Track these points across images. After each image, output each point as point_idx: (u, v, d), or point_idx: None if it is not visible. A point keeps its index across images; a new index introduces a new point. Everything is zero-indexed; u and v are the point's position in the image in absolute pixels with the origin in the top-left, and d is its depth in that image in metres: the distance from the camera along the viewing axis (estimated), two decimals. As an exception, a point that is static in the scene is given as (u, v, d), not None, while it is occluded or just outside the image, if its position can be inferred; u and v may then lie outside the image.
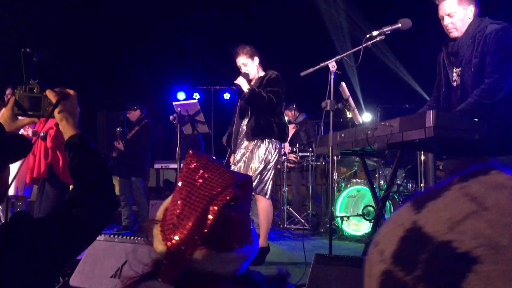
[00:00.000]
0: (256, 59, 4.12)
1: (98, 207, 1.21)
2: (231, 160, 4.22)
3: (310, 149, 6.51)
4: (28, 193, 5.10)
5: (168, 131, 7.92)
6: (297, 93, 7.97)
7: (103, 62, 9.51)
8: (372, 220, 4.51)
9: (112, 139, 6.71)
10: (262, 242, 3.89)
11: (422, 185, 5.16)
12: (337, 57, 3.11)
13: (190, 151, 0.93)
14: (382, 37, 3.00)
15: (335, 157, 5.81)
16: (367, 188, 5.43)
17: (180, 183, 0.89)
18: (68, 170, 1.29)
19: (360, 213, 5.28)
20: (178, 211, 0.85)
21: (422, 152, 5.00)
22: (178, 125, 5.25)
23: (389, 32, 2.98)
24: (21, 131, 3.58)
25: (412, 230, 0.43)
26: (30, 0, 8.02)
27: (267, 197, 3.98)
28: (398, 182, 5.55)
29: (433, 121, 2.41)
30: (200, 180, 0.87)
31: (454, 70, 2.91)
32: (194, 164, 0.90)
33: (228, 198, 0.84)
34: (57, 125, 1.35)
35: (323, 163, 6.59)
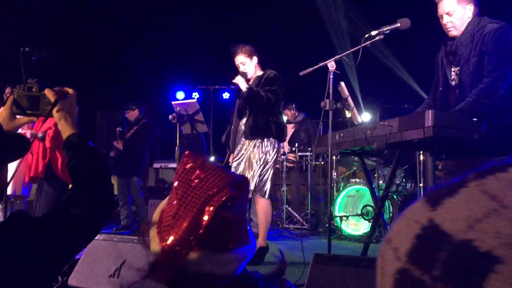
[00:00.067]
0: (255, 59, 4.12)
1: (97, 207, 1.21)
2: (230, 160, 4.22)
3: (309, 148, 6.51)
4: (27, 192, 5.10)
5: (168, 130, 7.91)
6: (296, 93, 7.98)
7: (102, 61, 9.50)
8: (371, 220, 4.51)
9: (111, 138, 6.71)
10: (261, 241, 3.89)
11: (421, 185, 5.15)
12: (336, 57, 3.11)
13: (186, 152, 0.93)
14: (381, 36, 3.00)
15: (334, 157, 5.82)
16: (366, 188, 5.44)
17: (176, 184, 0.89)
18: (66, 169, 1.29)
19: (359, 212, 5.28)
20: (173, 212, 0.85)
21: (421, 152, 5.00)
22: (178, 124, 5.25)
23: (388, 31, 2.99)
24: (19, 131, 3.58)
25: (428, 227, 0.42)
26: (29, 0, 8.01)
27: (266, 196, 3.98)
28: (397, 182, 5.55)
29: (432, 120, 2.41)
30: (196, 181, 0.87)
31: (453, 69, 2.91)
32: (190, 164, 0.90)
33: (224, 198, 0.84)
34: (56, 125, 1.35)
35: (322, 162, 6.59)
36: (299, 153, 6.69)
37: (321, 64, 3.10)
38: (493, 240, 0.38)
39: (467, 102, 2.68)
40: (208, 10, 9.34)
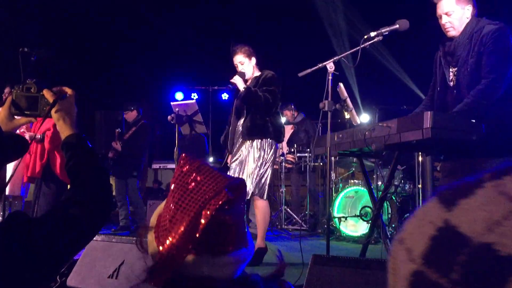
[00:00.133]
0: (253, 59, 4.12)
1: (96, 207, 1.21)
2: (229, 160, 4.21)
3: (308, 149, 6.51)
4: (24, 192, 5.09)
5: (168, 130, 7.91)
6: (295, 93, 7.99)
7: (101, 61, 9.50)
8: (370, 221, 4.51)
9: (110, 139, 6.71)
10: (259, 242, 3.89)
11: (420, 186, 5.16)
12: (335, 58, 3.11)
13: (183, 154, 0.93)
14: (380, 38, 3.00)
15: (333, 158, 5.82)
16: (365, 189, 5.44)
17: (172, 187, 0.89)
18: (65, 169, 1.29)
19: (358, 214, 5.28)
20: (170, 215, 0.85)
21: (420, 153, 5.01)
22: (176, 125, 5.25)
23: (387, 33, 2.99)
24: (17, 132, 3.57)
25: (444, 229, 0.41)
26: (28, 0, 8.01)
27: (264, 197, 3.98)
28: (396, 183, 5.55)
29: (430, 122, 2.41)
30: (193, 184, 0.87)
31: (451, 69, 2.92)
32: (187, 167, 0.89)
33: (221, 202, 0.84)
34: (55, 126, 1.35)
35: (321, 163, 6.59)
36: (298, 154, 6.69)
37: (320, 65, 3.11)
38: None
39: (466, 103, 2.68)
40: (208, 11, 9.34)
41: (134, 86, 9.69)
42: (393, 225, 5.44)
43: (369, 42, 3.01)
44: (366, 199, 5.52)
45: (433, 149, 2.75)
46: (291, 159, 6.76)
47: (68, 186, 1.26)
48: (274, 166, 7.08)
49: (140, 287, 0.86)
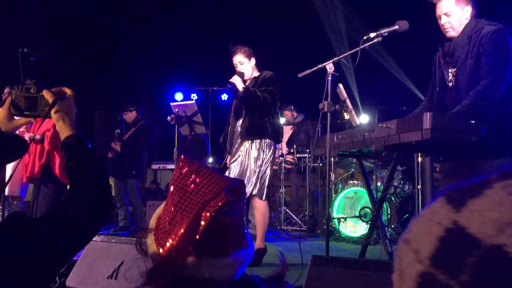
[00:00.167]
0: (253, 60, 4.13)
1: (96, 206, 1.21)
2: (228, 161, 4.21)
3: (308, 150, 6.51)
4: (23, 192, 5.09)
5: (168, 131, 7.92)
6: (295, 94, 7.99)
7: (100, 62, 9.50)
8: (369, 222, 4.51)
9: (109, 139, 6.71)
10: (258, 243, 3.89)
11: (419, 187, 5.16)
12: (334, 59, 3.11)
13: (182, 156, 0.93)
14: (380, 39, 3.01)
15: (332, 159, 5.82)
16: (364, 190, 5.44)
17: (172, 189, 0.89)
18: (64, 170, 1.29)
19: (357, 214, 5.29)
20: (170, 218, 0.85)
21: (419, 153, 5.01)
22: (176, 125, 5.25)
23: (387, 34, 2.99)
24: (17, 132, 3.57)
25: (453, 230, 0.40)
26: (28, 0, 8.01)
27: (263, 198, 3.98)
28: (395, 184, 5.56)
29: (430, 123, 2.41)
30: (192, 186, 0.87)
31: (450, 70, 2.92)
32: (186, 169, 0.89)
33: (220, 204, 0.84)
34: (54, 126, 1.34)
35: (321, 164, 6.59)
36: (297, 155, 6.69)
37: (319, 66, 3.11)
38: None
39: (465, 104, 2.68)
40: (207, 11, 9.34)
41: (134, 87, 9.68)
42: (393, 226, 5.44)
43: (369, 43, 3.02)
44: (365, 200, 5.52)
45: (433, 150, 2.75)
46: (291, 160, 6.76)
47: (68, 187, 1.26)
48: (274, 167, 7.11)
49: None
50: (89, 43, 9.17)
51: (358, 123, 3.39)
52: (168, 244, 0.82)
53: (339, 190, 5.95)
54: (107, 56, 9.59)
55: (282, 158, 6.79)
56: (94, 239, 2.46)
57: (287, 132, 7.53)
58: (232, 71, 4.12)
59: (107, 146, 6.71)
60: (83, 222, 1.15)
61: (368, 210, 5.10)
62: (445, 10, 2.82)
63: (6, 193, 4.74)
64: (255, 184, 3.92)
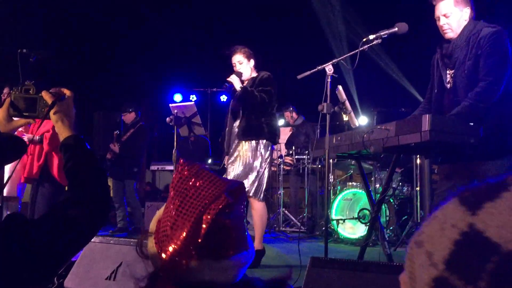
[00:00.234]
0: (252, 61, 4.13)
1: (95, 207, 1.21)
2: (226, 162, 4.21)
3: (307, 152, 6.51)
4: (20, 193, 5.07)
5: (166, 132, 7.92)
6: (294, 96, 7.99)
7: (99, 62, 9.49)
8: (368, 224, 4.51)
9: (108, 140, 6.71)
10: (257, 244, 3.89)
11: (418, 188, 5.17)
12: (334, 60, 3.12)
13: (181, 160, 0.92)
14: (379, 41, 3.01)
15: (331, 160, 5.82)
16: (363, 191, 5.44)
17: (172, 193, 0.89)
18: (63, 171, 1.29)
19: (356, 216, 5.29)
20: (171, 222, 0.85)
21: (418, 155, 5.02)
22: (175, 127, 5.25)
23: (386, 36, 3.00)
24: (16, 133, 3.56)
25: (469, 234, 0.39)
26: (25, 1, 8.00)
27: (261, 199, 3.97)
28: (394, 186, 5.56)
29: (429, 125, 2.42)
30: (192, 189, 0.87)
31: (448, 71, 2.92)
32: (185, 173, 0.89)
33: (220, 206, 0.84)
34: (53, 127, 1.34)
35: (319, 166, 6.59)
36: (296, 156, 6.70)
37: (319, 67, 3.11)
38: None
39: (464, 106, 2.69)
40: (207, 12, 9.35)
41: (133, 88, 9.67)
42: (391, 228, 5.44)
43: (368, 45, 3.02)
44: (364, 202, 5.52)
45: (432, 152, 2.75)
46: (289, 161, 6.76)
47: (65, 188, 1.27)
48: (272, 168, 7.11)
49: None
50: (88, 43, 9.16)
51: (357, 124, 3.39)
52: (170, 249, 0.82)
53: (337, 192, 5.95)
54: (105, 57, 9.58)
55: (281, 160, 6.79)
56: (92, 240, 2.46)
57: (286, 133, 7.53)
58: (231, 71, 4.12)
59: (105, 147, 6.71)
60: (83, 222, 1.15)
61: (366, 211, 5.10)
62: (444, 12, 2.83)
63: (4, 194, 4.73)
64: (253, 185, 3.91)
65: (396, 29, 2.99)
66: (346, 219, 5.63)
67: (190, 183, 0.87)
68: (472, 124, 2.56)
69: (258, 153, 3.94)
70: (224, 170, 4.23)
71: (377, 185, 5.56)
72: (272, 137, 4.03)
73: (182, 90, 9.55)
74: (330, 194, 5.92)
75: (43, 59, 3.96)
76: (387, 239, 3.71)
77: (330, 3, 8.84)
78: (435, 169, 4.18)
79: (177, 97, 9.45)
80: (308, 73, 3.16)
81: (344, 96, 3.26)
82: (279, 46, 9.25)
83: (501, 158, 2.72)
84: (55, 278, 2.57)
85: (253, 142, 3.95)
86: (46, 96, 1.35)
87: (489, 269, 0.36)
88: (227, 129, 4.23)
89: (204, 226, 0.82)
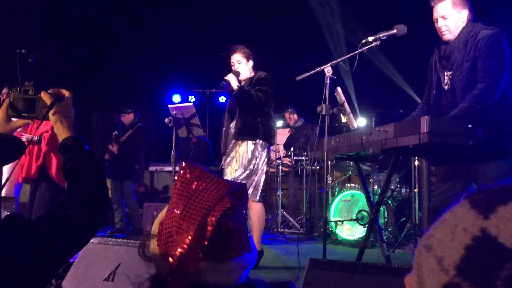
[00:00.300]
0: (251, 62, 4.13)
1: (95, 207, 1.21)
2: (223, 162, 4.21)
3: (305, 153, 6.52)
4: (16, 193, 5.06)
5: (166, 133, 7.92)
6: (293, 97, 8.00)
7: (98, 63, 9.48)
8: (366, 225, 4.52)
9: (107, 141, 6.70)
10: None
11: (416, 190, 5.17)
12: (332, 62, 3.12)
13: (183, 163, 0.92)
14: (378, 42, 3.02)
15: (329, 162, 5.82)
16: (361, 193, 5.44)
17: (175, 196, 0.88)
18: (62, 172, 1.29)
19: (354, 217, 5.29)
20: (176, 226, 0.84)
21: (416, 157, 5.02)
22: (174, 128, 5.25)
23: (385, 38, 3.00)
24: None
25: (481, 239, 0.37)
26: (25, 1, 8.00)
27: (258, 200, 3.96)
28: (392, 187, 5.56)
29: (427, 126, 2.42)
30: (196, 193, 0.87)
31: (446, 73, 2.93)
32: (188, 176, 0.89)
33: (224, 208, 0.84)
34: (53, 128, 1.34)
35: (318, 167, 6.60)
36: (294, 158, 6.70)
37: (318, 69, 3.12)
38: None
39: (462, 108, 2.69)
40: (206, 13, 9.35)
41: (131, 88, 9.67)
42: (389, 229, 5.44)
43: (367, 47, 3.03)
44: (362, 203, 5.53)
45: (430, 154, 2.75)
46: (288, 163, 6.76)
47: (63, 189, 1.27)
48: (271, 170, 7.12)
49: None
50: (87, 44, 9.16)
51: (355, 126, 3.40)
52: (178, 253, 0.82)
53: (336, 193, 5.95)
54: (104, 58, 9.58)
55: (280, 161, 6.79)
56: (91, 241, 2.45)
57: (284, 134, 7.53)
58: (230, 71, 4.11)
59: (103, 148, 6.70)
60: (82, 222, 1.15)
61: (365, 213, 5.10)
62: (442, 13, 2.84)
63: (2, 194, 4.72)
64: (250, 186, 3.90)
65: (395, 31, 2.99)
66: (344, 220, 5.63)
67: (193, 186, 0.87)
68: (470, 126, 2.56)
69: (255, 153, 3.94)
70: (222, 170, 4.22)
71: (376, 187, 5.56)
72: (268, 138, 4.02)
73: (181, 91, 9.55)
74: (329, 195, 5.92)
75: (42, 59, 3.95)
76: (385, 240, 3.71)
77: (329, 5, 8.85)
78: (433, 171, 4.19)
79: (176, 98, 9.45)
80: (307, 74, 3.16)
81: (343, 98, 3.26)
82: (278, 47, 9.26)
83: (499, 160, 2.73)
84: (53, 279, 2.57)
85: (250, 142, 3.94)
86: (45, 96, 1.35)
87: (503, 276, 0.35)
88: (223, 129, 4.22)
89: (209, 228, 0.82)
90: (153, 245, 0.88)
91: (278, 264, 4.20)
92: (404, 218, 5.58)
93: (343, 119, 3.39)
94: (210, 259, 0.84)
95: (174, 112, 5.29)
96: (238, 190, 0.90)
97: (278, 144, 7.28)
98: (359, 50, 3.03)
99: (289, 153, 6.74)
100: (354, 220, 5.31)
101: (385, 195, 3.40)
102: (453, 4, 2.82)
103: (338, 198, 5.82)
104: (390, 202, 5.52)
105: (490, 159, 2.71)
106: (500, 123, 2.76)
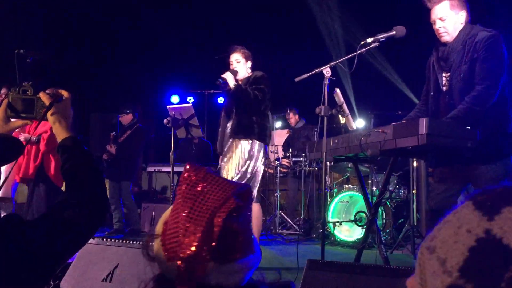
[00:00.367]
0: (249, 63, 4.13)
1: (94, 207, 1.21)
2: (220, 161, 4.20)
3: (303, 154, 6.52)
4: (13, 193, 5.05)
5: (164, 133, 7.92)
6: (292, 98, 8.00)
7: (97, 63, 9.48)
8: (364, 226, 4.52)
9: (105, 141, 6.69)
10: (253, 246, 3.87)
11: (414, 191, 5.18)
12: (331, 63, 3.13)
13: (188, 164, 0.92)
14: (377, 44, 3.02)
15: (328, 163, 5.82)
16: (360, 194, 5.45)
17: (180, 198, 0.88)
18: (60, 172, 1.29)
19: (352, 219, 5.29)
20: (183, 229, 0.85)
21: (415, 158, 5.03)
22: (172, 128, 5.25)
23: (384, 39, 3.01)
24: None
25: (486, 240, 0.37)
26: (25, 1, 7.99)
27: (255, 200, 3.96)
28: (390, 189, 5.57)
29: (426, 128, 2.42)
30: (201, 195, 0.87)
31: (444, 74, 2.94)
32: (193, 178, 0.89)
33: (230, 209, 0.84)
34: (52, 128, 1.34)
35: (316, 168, 6.60)
36: (293, 159, 6.70)
37: (316, 70, 3.12)
38: None
39: (460, 110, 2.70)
40: (205, 14, 9.35)
41: (130, 89, 9.67)
42: (388, 231, 5.45)
43: (366, 48, 3.03)
44: (360, 204, 5.53)
45: (429, 155, 2.76)
46: (286, 164, 6.76)
47: (62, 189, 1.27)
48: (269, 171, 7.11)
49: None
50: (87, 44, 9.16)
51: (354, 127, 3.40)
52: (186, 256, 0.82)
53: (334, 194, 5.95)
54: (103, 58, 9.58)
55: (278, 162, 6.79)
56: (89, 241, 2.45)
57: (283, 135, 7.54)
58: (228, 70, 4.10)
59: (102, 148, 6.69)
60: (82, 223, 1.15)
61: (363, 214, 5.10)
62: (439, 15, 2.84)
63: (0, 195, 4.72)
64: (245, 185, 3.88)
65: (394, 32, 3.00)
66: (342, 221, 5.64)
67: (199, 188, 0.87)
68: (469, 127, 2.57)
69: (251, 153, 3.93)
70: (219, 170, 4.22)
71: (374, 188, 5.56)
72: (263, 137, 4.00)
73: (179, 91, 9.54)
74: (327, 196, 5.92)
75: (40, 60, 3.95)
76: (383, 242, 3.71)
77: (328, 6, 8.86)
78: (430, 172, 4.19)
79: (174, 98, 9.44)
80: (306, 75, 3.16)
81: (341, 99, 3.27)
82: (277, 48, 9.27)
83: (496, 162, 2.73)
84: (51, 280, 2.56)
85: (246, 142, 3.94)
86: (44, 97, 1.35)
87: (508, 278, 0.34)
88: (220, 129, 4.22)
89: (216, 229, 0.83)
90: (157, 245, 0.88)
91: (276, 265, 4.20)
92: (402, 220, 5.59)
93: (342, 120, 3.40)
94: (215, 260, 0.84)
95: (173, 112, 5.29)
96: (243, 191, 0.90)
97: (276, 145, 7.28)
98: (358, 52, 3.03)
99: (288, 154, 6.74)
100: (352, 221, 5.31)
101: (383, 196, 3.41)
102: (451, 6, 2.83)
103: (336, 199, 5.83)
104: (388, 203, 5.53)
105: (488, 161, 2.72)
106: (498, 125, 2.77)
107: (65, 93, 1.38)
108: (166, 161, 6.24)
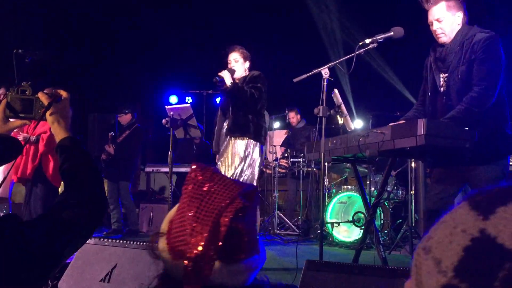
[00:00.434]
0: (248, 63, 4.14)
1: (93, 207, 1.21)
2: (216, 160, 4.20)
3: (302, 154, 6.52)
4: (9, 193, 5.04)
5: (164, 133, 7.91)
6: (290, 99, 8.00)
7: (95, 63, 9.47)
8: (363, 227, 4.52)
9: (103, 141, 6.69)
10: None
11: (412, 192, 5.19)
12: (330, 64, 3.13)
13: (194, 165, 0.92)
14: (375, 45, 3.03)
15: (326, 163, 5.83)
16: (358, 195, 5.45)
17: (186, 198, 0.89)
18: (59, 172, 1.29)
19: (351, 219, 5.29)
20: (189, 228, 0.85)
21: (413, 159, 5.04)
22: (171, 129, 5.25)
23: (382, 40, 3.02)
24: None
25: (480, 240, 0.37)
26: (25, 1, 7.98)
27: None
28: (388, 189, 5.58)
29: (424, 129, 2.43)
30: (207, 195, 0.87)
31: (441, 75, 2.94)
32: (200, 178, 0.90)
33: (236, 209, 0.84)
34: (51, 129, 1.34)
35: (314, 169, 6.60)
36: (291, 159, 6.70)
37: (315, 71, 3.12)
38: None
39: (458, 110, 2.70)
40: (203, 15, 9.35)
41: (128, 89, 9.66)
42: (386, 231, 5.45)
43: (364, 49, 3.04)
44: (358, 205, 5.53)
45: (427, 156, 2.76)
46: (285, 164, 6.76)
47: (59, 189, 1.27)
48: (267, 171, 7.12)
49: None
50: (86, 44, 9.15)
51: (352, 128, 3.41)
52: (193, 255, 0.82)
53: (332, 195, 5.96)
54: (101, 58, 9.57)
55: (276, 163, 6.79)
56: (87, 242, 2.46)
57: (281, 136, 7.54)
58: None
59: (100, 148, 6.69)
60: (81, 223, 1.15)
61: (361, 215, 5.11)
62: (436, 16, 2.85)
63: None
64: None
65: (392, 33, 3.00)
66: (341, 222, 5.64)
67: (205, 188, 0.88)
68: (467, 128, 2.58)
69: (246, 153, 3.93)
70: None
71: (372, 189, 5.57)
72: (258, 136, 3.99)
73: (178, 92, 9.54)
74: (325, 197, 5.93)
75: (39, 60, 3.94)
76: (381, 242, 3.72)
77: (327, 7, 8.87)
78: (428, 173, 4.19)
79: (173, 99, 9.43)
80: (304, 76, 3.17)
81: (340, 100, 3.27)
82: (276, 48, 9.28)
83: (494, 163, 2.74)
84: (49, 280, 2.56)
85: (242, 142, 3.93)
86: (43, 97, 1.35)
87: (502, 277, 0.34)
88: (216, 128, 4.22)
89: (222, 229, 0.83)
90: (162, 244, 0.88)
91: (275, 266, 4.20)
92: (400, 220, 5.60)
93: (340, 121, 3.40)
94: (221, 260, 0.84)
95: (171, 113, 5.29)
96: (249, 191, 0.90)
97: (275, 146, 7.28)
98: (356, 52, 3.04)
99: (286, 155, 6.74)
100: (350, 221, 5.31)
101: (381, 197, 3.41)
102: (448, 7, 2.84)
103: (334, 200, 5.83)
104: (386, 204, 5.53)
105: (485, 161, 2.73)
106: (496, 126, 2.77)
107: (63, 93, 1.39)
108: (164, 161, 6.24)
